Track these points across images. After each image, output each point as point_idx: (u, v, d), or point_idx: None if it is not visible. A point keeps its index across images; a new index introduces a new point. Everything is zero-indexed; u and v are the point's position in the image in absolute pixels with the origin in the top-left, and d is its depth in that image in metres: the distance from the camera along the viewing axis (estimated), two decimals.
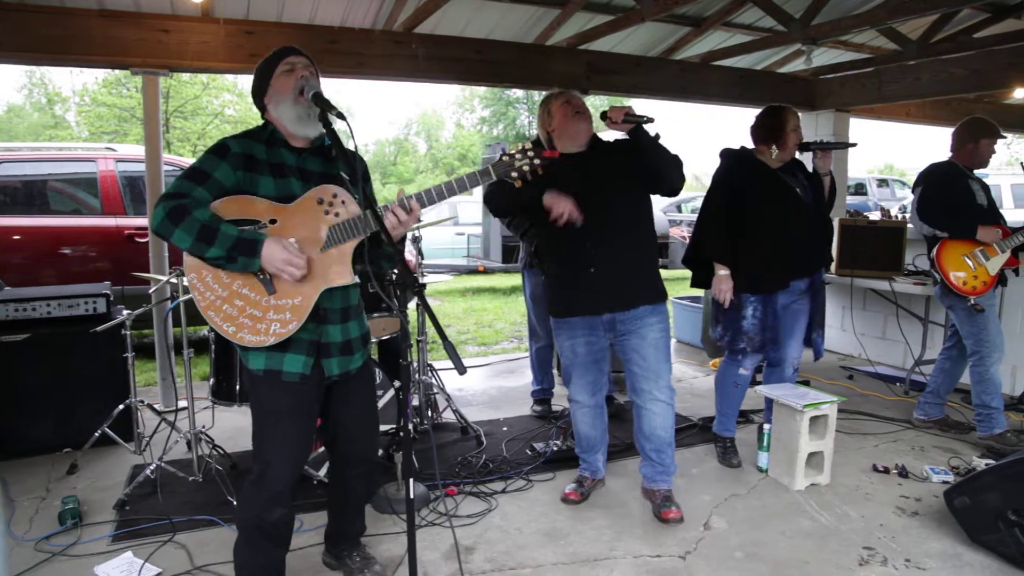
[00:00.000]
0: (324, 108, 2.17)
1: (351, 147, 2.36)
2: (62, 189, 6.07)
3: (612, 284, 3.12)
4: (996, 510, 2.86)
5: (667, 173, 3.08)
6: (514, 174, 2.26)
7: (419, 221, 2.34)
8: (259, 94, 2.37)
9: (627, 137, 3.09)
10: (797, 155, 3.75)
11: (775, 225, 3.58)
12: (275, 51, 2.36)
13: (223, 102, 24.51)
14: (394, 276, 3.93)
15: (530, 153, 2.25)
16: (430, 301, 4.41)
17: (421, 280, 4.12)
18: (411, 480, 2.03)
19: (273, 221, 2.21)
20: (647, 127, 3.04)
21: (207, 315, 2.22)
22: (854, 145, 3.66)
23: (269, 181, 2.27)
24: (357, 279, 2.29)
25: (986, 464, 3.53)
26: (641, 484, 3.40)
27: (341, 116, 2.16)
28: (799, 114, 3.72)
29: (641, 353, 3.18)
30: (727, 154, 3.76)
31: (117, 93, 22.96)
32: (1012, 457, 2.99)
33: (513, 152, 2.26)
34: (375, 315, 3.87)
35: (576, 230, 3.07)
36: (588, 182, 3.11)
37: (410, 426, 2.17)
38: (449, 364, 5.69)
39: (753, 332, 3.66)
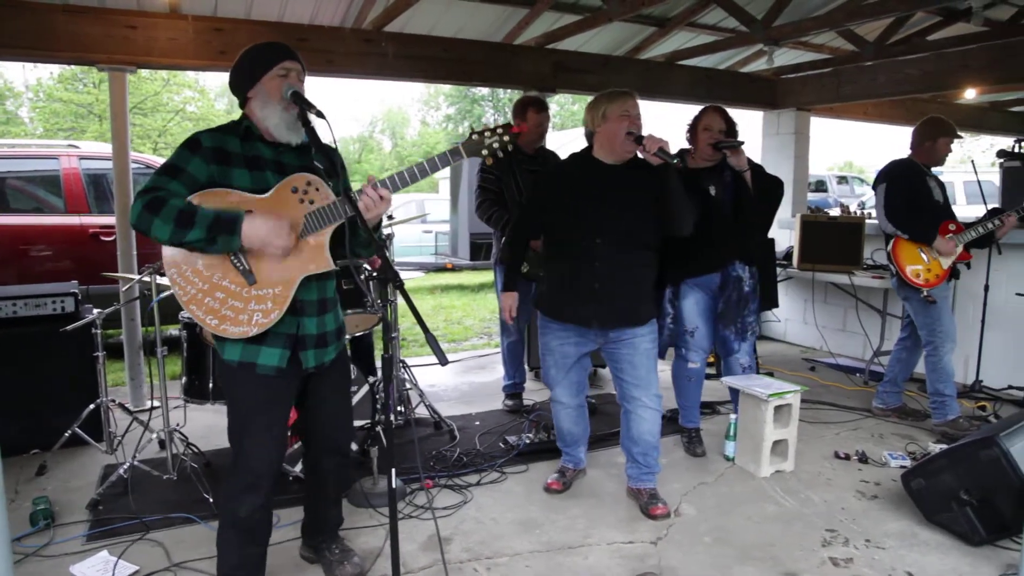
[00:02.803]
0: (303, 107, 2.21)
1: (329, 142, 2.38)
2: (22, 187, 5.95)
3: (614, 303, 3.14)
4: (949, 491, 3.01)
5: (680, 217, 3.10)
6: (484, 152, 2.30)
7: (391, 206, 2.33)
8: (244, 86, 2.33)
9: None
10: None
11: None
12: (273, 47, 2.33)
13: (184, 99, 24.09)
14: (369, 271, 3.98)
15: (499, 131, 2.29)
16: (398, 300, 4.45)
17: None
18: (392, 471, 2.07)
19: (249, 212, 2.21)
20: None
21: (189, 309, 2.24)
22: (742, 143, 3.66)
23: (244, 174, 2.28)
24: (334, 265, 2.30)
25: (940, 449, 3.68)
26: (627, 484, 3.46)
27: (320, 115, 2.19)
28: (723, 110, 3.74)
29: (632, 362, 3.23)
30: None
31: (73, 89, 22.43)
32: (963, 440, 3.14)
33: (482, 131, 2.30)
34: (348, 312, 3.89)
35: (587, 244, 3.10)
36: (612, 198, 3.10)
37: (392, 417, 2.20)
38: (421, 360, 5.70)
39: (665, 324, 3.80)
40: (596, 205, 3.10)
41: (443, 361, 1.93)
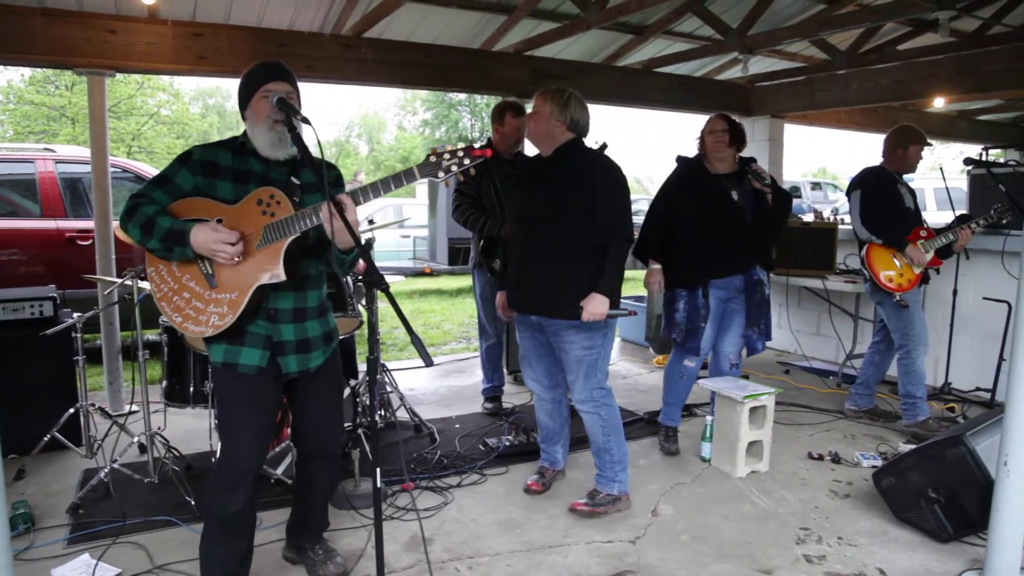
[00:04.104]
0: (288, 112, 2.24)
1: (318, 154, 2.39)
2: None
3: (535, 289, 3.26)
4: (918, 489, 3.10)
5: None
6: (441, 175, 2.24)
7: (355, 220, 2.29)
8: (241, 107, 2.45)
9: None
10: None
11: (703, 225, 3.79)
12: (260, 69, 2.40)
13: (158, 102, 23.85)
14: (353, 278, 3.99)
15: (459, 153, 2.24)
16: (378, 304, 4.48)
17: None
18: (377, 470, 2.10)
19: (220, 220, 2.32)
20: None
21: (160, 305, 2.41)
22: (769, 184, 3.83)
23: (228, 186, 2.39)
24: (284, 276, 2.28)
25: (910, 448, 3.78)
26: None
27: (306, 121, 2.24)
28: (726, 116, 3.88)
29: (567, 366, 3.33)
30: (677, 160, 4.03)
31: (45, 91, 22.10)
32: (932, 440, 3.23)
33: (442, 152, 2.25)
34: None
35: (519, 232, 3.32)
36: (538, 188, 3.27)
37: (376, 418, 2.23)
38: (400, 364, 5.70)
39: (682, 322, 3.88)
40: (525, 191, 3.34)
41: (428, 362, 1.97)
